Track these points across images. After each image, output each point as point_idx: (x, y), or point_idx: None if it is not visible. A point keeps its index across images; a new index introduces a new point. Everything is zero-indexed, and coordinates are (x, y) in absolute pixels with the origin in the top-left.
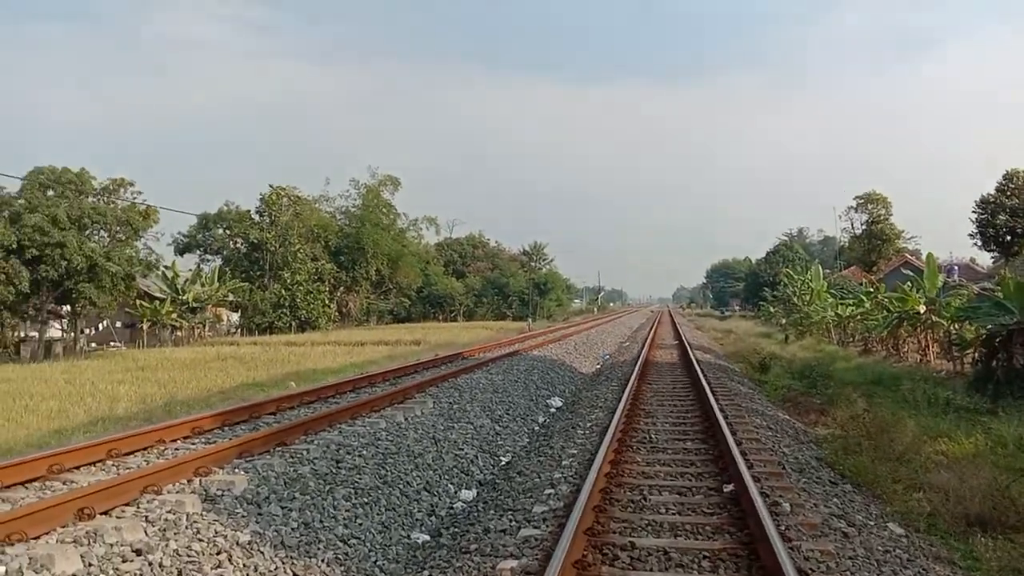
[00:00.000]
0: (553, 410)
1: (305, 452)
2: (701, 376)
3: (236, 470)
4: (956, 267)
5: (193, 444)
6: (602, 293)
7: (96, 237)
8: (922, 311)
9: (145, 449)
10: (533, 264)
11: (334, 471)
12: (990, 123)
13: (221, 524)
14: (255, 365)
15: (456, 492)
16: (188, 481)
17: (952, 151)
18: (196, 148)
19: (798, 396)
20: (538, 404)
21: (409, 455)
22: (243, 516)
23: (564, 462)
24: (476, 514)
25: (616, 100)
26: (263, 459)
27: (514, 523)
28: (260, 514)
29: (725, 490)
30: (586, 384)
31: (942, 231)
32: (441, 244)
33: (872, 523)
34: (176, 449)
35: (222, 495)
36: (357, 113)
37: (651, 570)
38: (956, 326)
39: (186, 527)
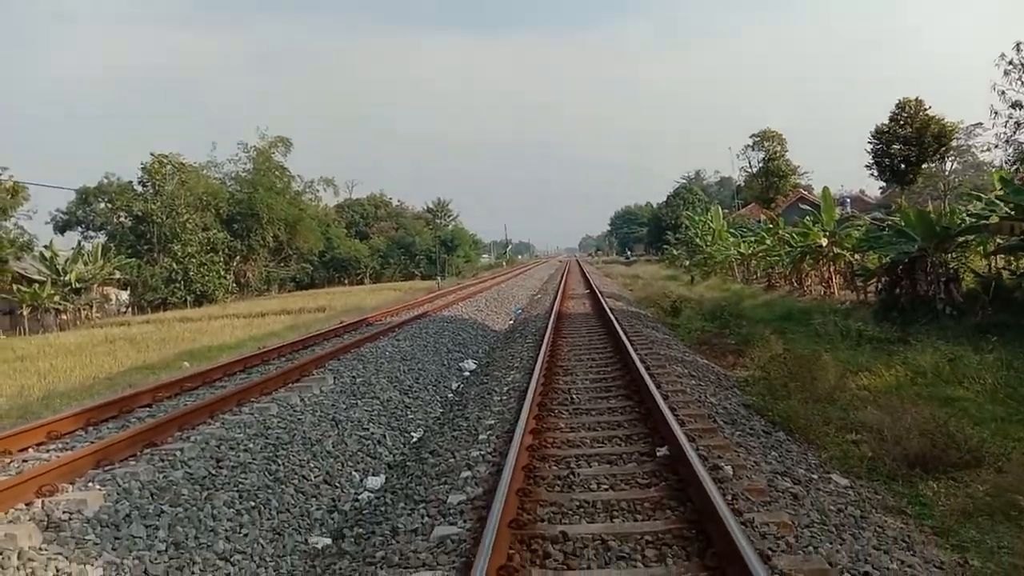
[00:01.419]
0: (467, 373)
1: (178, 453)
2: (616, 325)
3: (91, 484)
4: (848, 199)
5: (46, 453)
6: (510, 246)
7: None
8: (824, 244)
9: None
10: (438, 221)
11: (213, 472)
12: (872, 61)
13: (66, 557)
14: (146, 346)
15: (361, 481)
16: (27, 505)
17: (833, 89)
18: (73, 121)
19: (712, 338)
20: (451, 369)
21: (305, 443)
22: (95, 543)
23: (481, 436)
24: (384, 508)
25: (517, 49)
26: (126, 467)
27: (427, 519)
28: (118, 538)
29: (659, 454)
30: (500, 342)
31: (830, 166)
32: (341, 205)
33: (816, 476)
34: (24, 461)
35: (69, 519)
36: (240, 76)
37: (588, 567)
38: (858, 257)
39: (17, 568)
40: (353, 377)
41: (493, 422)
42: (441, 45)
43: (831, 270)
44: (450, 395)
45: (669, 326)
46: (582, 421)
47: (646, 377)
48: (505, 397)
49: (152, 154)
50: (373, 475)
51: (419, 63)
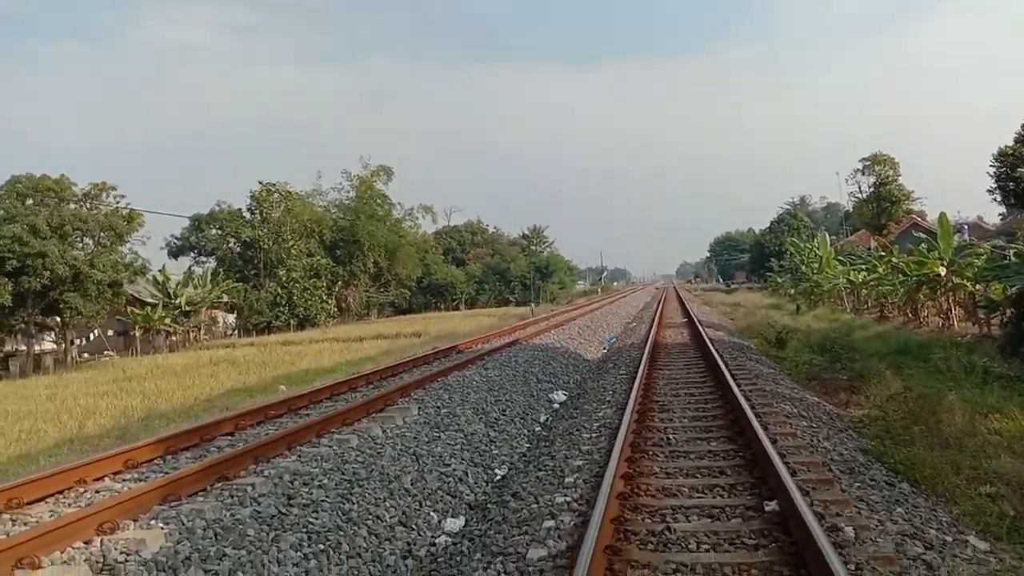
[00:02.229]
0: (556, 406)
1: (249, 488)
2: (717, 357)
3: (154, 521)
4: (966, 226)
5: (120, 483)
6: (605, 273)
7: (80, 244)
8: (942, 273)
9: (60, 493)
10: (534, 248)
11: (283, 511)
12: (991, 80)
13: None
14: (248, 368)
15: (440, 522)
16: (86, 543)
17: (952, 111)
18: (191, 153)
19: (822, 373)
20: (539, 400)
21: (383, 479)
22: None
23: (568, 478)
24: (460, 558)
25: (619, 79)
26: (193, 503)
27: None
28: None
29: (767, 508)
30: (592, 373)
31: (945, 191)
32: (439, 232)
33: (950, 538)
34: (97, 492)
35: (126, 560)
36: (350, 111)
37: None
38: (979, 287)
39: None
40: (438, 407)
41: (581, 463)
42: (542, 76)
43: (950, 301)
44: (538, 428)
45: (774, 359)
46: (679, 466)
47: (751, 416)
48: (595, 435)
49: (260, 182)
50: (452, 516)
51: (520, 93)
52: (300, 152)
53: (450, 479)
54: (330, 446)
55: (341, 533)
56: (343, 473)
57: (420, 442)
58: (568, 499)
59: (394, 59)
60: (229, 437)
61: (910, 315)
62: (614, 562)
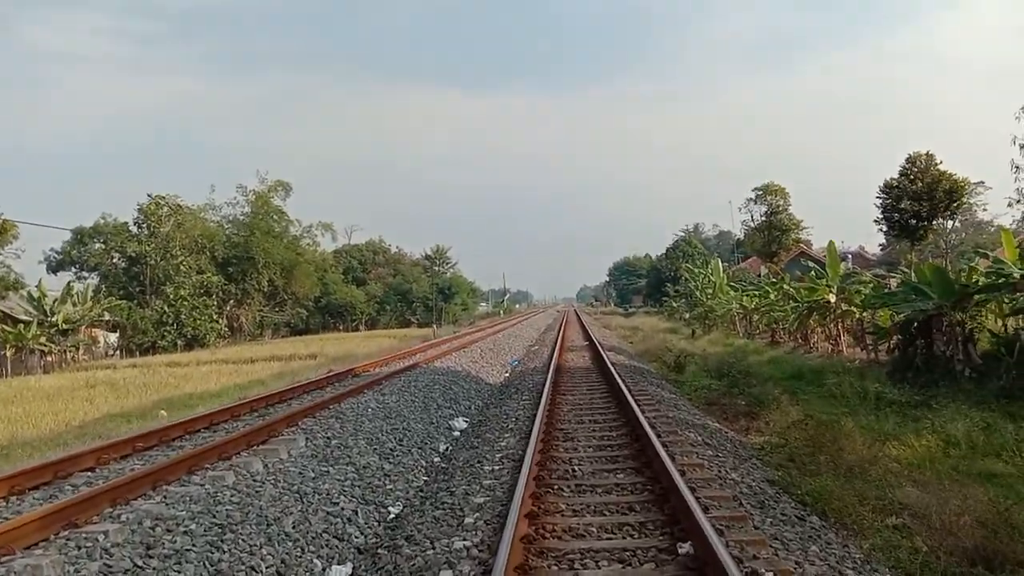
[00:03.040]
0: (457, 434)
1: (100, 538)
2: (619, 381)
3: None
4: (849, 255)
5: None
6: (508, 295)
7: None
8: (832, 300)
9: None
10: (436, 268)
11: (140, 564)
12: (871, 118)
13: None
14: (128, 391)
15: (324, 571)
16: None
17: (827, 151)
18: (75, 163)
19: (720, 398)
20: (439, 428)
21: (261, 522)
22: None
23: (468, 519)
24: None
25: (517, 105)
26: (29, 557)
27: None
28: None
29: (682, 551)
30: (494, 398)
31: (828, 223)
32: (339, 251)
33: None
34: None
35: None
36: (243, 125)
37: None
38: (867, 314)
39: None
40: (328, 438)
41: (482, 500)
42: (440, 100)
43: (839, 327)
44: (437, 459)
45: (674, 383)
46: (586, 502)
47: (657, 446)
48: (498, 467)
49: (149, 195)
50: (338, 564)
51: (418, 116)
52: (194, 166)
53: (338, 520)
54: (202, 484)
55: None
56: (214, 516)
57: (305, 478)
58: (468, 543)
59: (294, 73)
60: (88, 473)
61: (800, 340)
62: None
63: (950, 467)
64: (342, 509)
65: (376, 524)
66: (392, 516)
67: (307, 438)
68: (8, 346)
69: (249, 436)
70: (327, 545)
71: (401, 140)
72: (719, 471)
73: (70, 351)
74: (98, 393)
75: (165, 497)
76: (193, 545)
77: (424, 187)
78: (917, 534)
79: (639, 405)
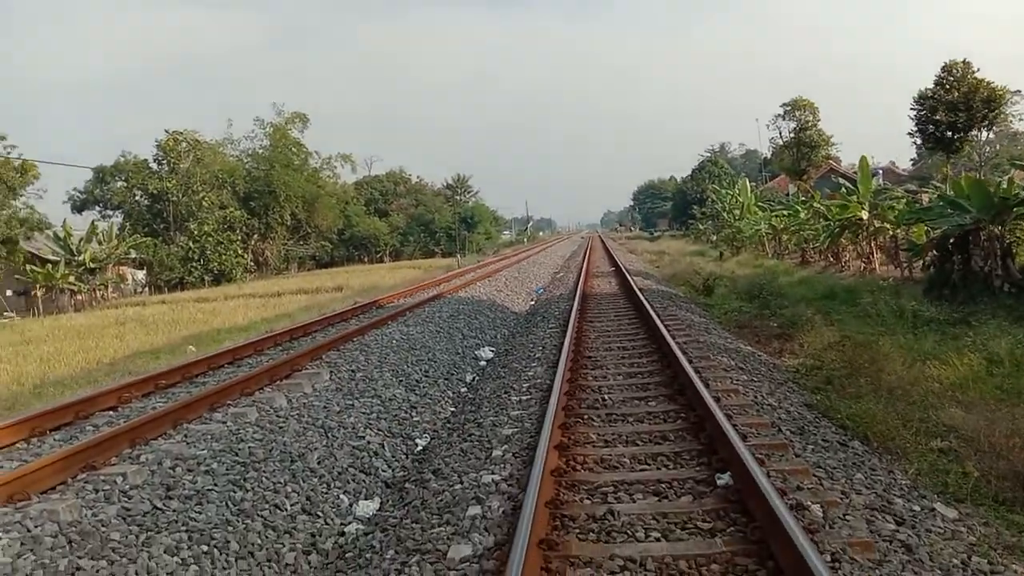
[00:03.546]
0: (483, 363)
1: (119, 480)
2: (648, 307)
3: None
4: (879, 171)
5: None
6: (531, 222)
7: None
8: (864, 217)
9: None
10: (458, 198)
11: (160, 507)
12: (899, 30)
13: None
14: (157, 328)
15: (351, 506)
16: None
17: (855, 59)
18: (95, 103)
19: (752, 320)
20: (465, 358)
21: (284, 459)
22: None
23: (495, 451)
24: (370, 555)
25: (537, 25)
26: (47, 501)
27: None
28: None
29: (720, 483)
30: (520, 326)
31: (857, 136)
32: (360, 183)
33: (916, 507)
34: None
35: None
36: (257, 56)
37: None
38: (901, 230)
39: None
40: (353, 371)
41: (510, 432)
42: (463, 17)
43: (872, 244)
44: (463, 390)
45: (703, 306)
46: (618, 432)
47: (690, 371)
48: (525, 397)
49: (167, 131)
50: (365, 499)
51: (443, 37)
52: (210, 99)
53: (364, 454)
54: (224, 422)
55: (230, 529)
56: (236, 454)
57: (330, 412)
58: (496, 477)
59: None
60: (111, 413)
61: (832, 259)
62: (551, 559)
63: (995, 386)
64: (368, 443)
65: (404, 457)
66: (419, 448)
67: (331, 371)
68: (38, 286)
69: (272, 371)
70: (353, 480)
71: (423, 64)
72: (755, 396)
73: (99, 289)
74: (128, 330)
75: (186, 436)
76: (215, 485)
77: (446, 112)
78: (966, 458)
79: (669, 330)
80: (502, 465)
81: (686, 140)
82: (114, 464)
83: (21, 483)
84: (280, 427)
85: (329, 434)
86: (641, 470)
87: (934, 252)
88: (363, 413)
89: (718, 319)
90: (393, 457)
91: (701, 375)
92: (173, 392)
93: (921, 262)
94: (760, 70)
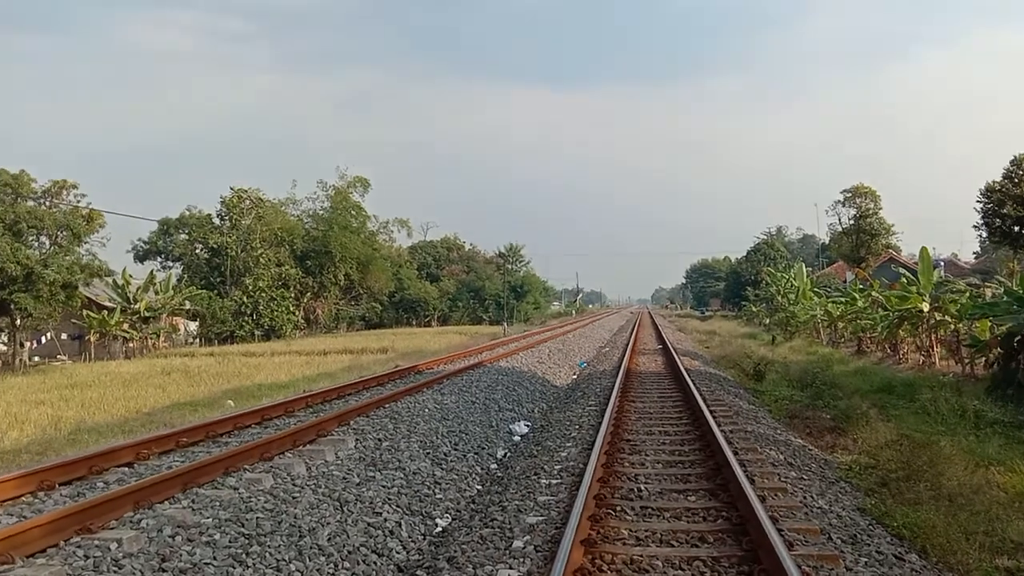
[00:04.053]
0: (517, 438)
1: (112, 547)
2: (694, 390)
3: None
4: (942, 263)
5: None
6: (580, 295)
7: (35, 243)
8: (925, 309)
9: None
10: (509, 266)
11: None
12: (964, 124)
13: None
14: (200, 379)
15: None
16: None
17: (922, 151)
18: (169, 159)
19: (803, 410)
20: (499, 432)
21: (293, 533)
22: None
23: (517, 542)
24: None
25: (603, 104)
26: (28, 568)
27: None
28: None
29: None
30: (559, 401)
31: (917, 229)
32: (414, 247)
33: None
34: None
35: None
36: (328, 122)
37: None
38: (964, 325)
39: None
40: (379, 440)
41: (535, 520)
42: (528, 98)
43: (932, 338)
44: (493, 466)
45: (752, 392)
46: (652, 529)
47: (734, 465)
48: (555, 482)
49: (231, 188)
50: None
51: (501, 114)
52: (277, 163)
53: (379, 532)
54: (236, 488)
55: None
56: (242, 525)
57: (349, 484)
58: (514, 574)
59: (373, 70)
60: (126, 469)
61: (889, 351)
62: None
63: None
64: (385, 520)
65: (420, 538)
66: (439, 530)
67: (357, 439)
68: (92, 331)
69: (296, 435)
70: (364, 561)
71: (487, 136)
72: (804, 497)
73: (151, 338)
74: (172, 380)
75: (193, 501)
76: (214, 558)
77: (505, 186)
78: None
79: (714, 416)
80: (522, 560)
81: (743, 222)
82: (112, 528)
83: (8, 544)
84: (294, 497)
85: (345, 508)
86: None
87: (999, 349)
88: (383, 487)
89: (768, 407)
90: (410, 538)
91: (746, 469)
92: (193, 451)
93: (984, 359)
94: (824, 155)
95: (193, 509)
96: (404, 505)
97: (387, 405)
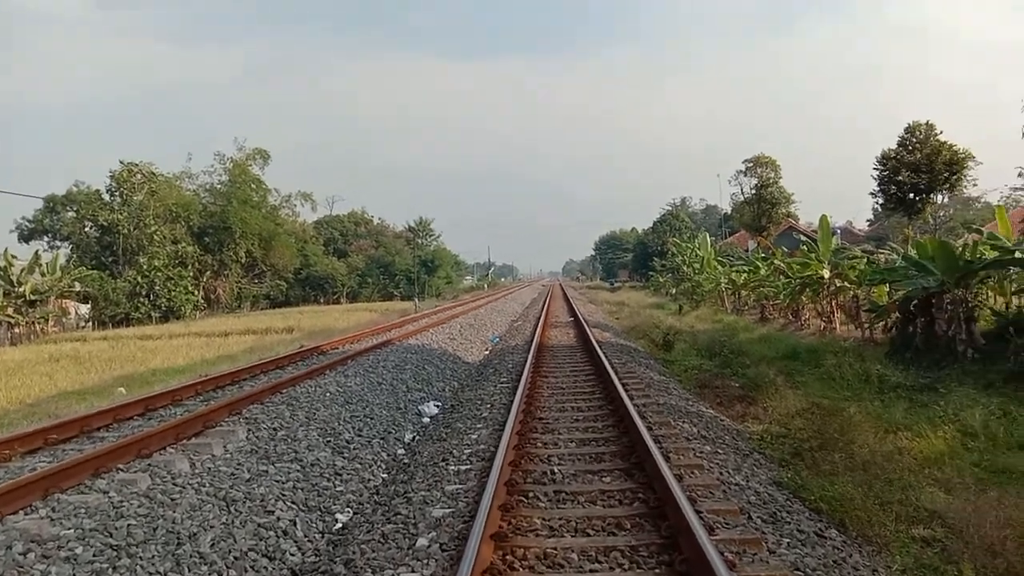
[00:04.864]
0: (427, 420)
1: None
2: (605, 362)
3: None
4: (838, 230)
5: None
6: (492, 268)
7: None
8: (826, 275)
9: None
10: (419, 241)
11: None
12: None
13: None
14: (92, 366)
15: None
16: None
17: (813, 121)
18: (52, 131)
19: (713, 379)
20: (407, 414)
21: (170, 540)
22: None
23: (421, 539)
24: None
25: (501, 74)
26: None
27: None
28: None
29: None
30: (471, 379)
31: (810, 196)
32: (320, 222)
33: None
34: None
35: None
36: (220, 94)
37: None
38: (863, 291)
39: None
40: (274, 429)
41: (442, 513)
42: (427, 68)
43: (833, 304)
44: (400, 452)
45: (662, 362)
46: (567, 517)
47: (648, 441)
48: (465, 467)
49: (121, 162)
50: None
51: (403, 87)
52: (172, 135)
53: (270, 533)
54: (106, 491)
55: None
56: (111, 535)
57: (238, 480)
58: (417, 570)
59: (269, 37)
60: None
61: (791, 317)
62: None
63: (972, 463)
64: (278, 519)
65: (318, 537)
66: (339, 526)
67: (249, 429)
68: None
69: (180, 427)
70: (252, 567)
71: (384, 110)
72: (720, 473)
73: (39, 323)
74: (60, 368)
75: (53, 509)
76: (75, 573)
77: (408, 159)
78: (957, 555)
79: (627, 389)
80: (425, 561)
81: (647, 192)
82: None
83: None
84: (173, 499)
85: (232, 507)
86: (591, 571)
87: (897, 314)
88: (277, 481)
89: (678, 376)
90: (306, 537)
91: (661, 445)
92: (64, 449)
93: (883, 324)
94: (722, 126)
95: (52, 519)
96: (300, 501)
97: (284, 390)
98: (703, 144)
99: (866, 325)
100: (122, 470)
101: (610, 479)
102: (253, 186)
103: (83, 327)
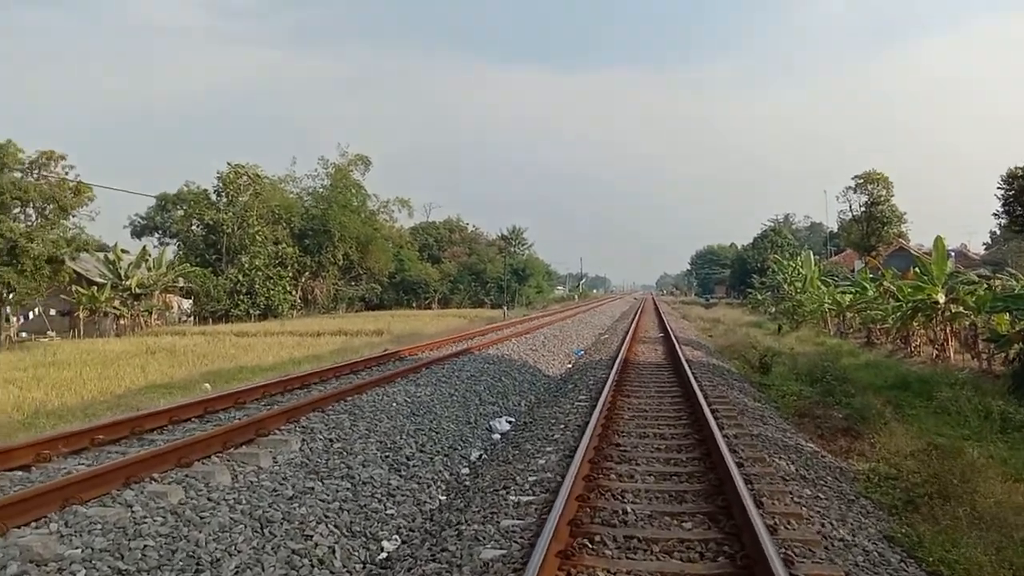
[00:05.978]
0: (497, 436)
1: None
2: (694, 384)
3: None
4: (952, 253)
5: None
6: (584, 279)
7: (23, 216)
8: (940, 300)
9: None
10: (512, 249)
11: None
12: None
13: None
14: (184, 360)
15: None
16: None
17: (933, 144)
18: (170, 133)
19: (814, 408)
20: (476, 430)
21: (187, 567)
22: None
23: None
24: None
25: (604, 87)
26: None
27: None
28: None
29: None
30: (549, 394)
31: (927, 218)
32: (416, 228)
33: None
34: None
35: None
36: (330, 99)
37: None
38: (981, 318)
39: None
40: (330, 440)
41: (492, 556)
42: (530, 77)
43: (947, 331)
44: (464, 471)
45: (758, 386)
46: (636, 571)
47: (738, 480)
48: (526, 498)
49: (229, 163)
50: None
51: (508, 93)
52: (279, 139)
53: (304, 562)
54: (131, 504)
55: None
56: (121, 557)
57: (280, 497)
58: None
59: (377, 47)
60: (19, 473)
61: (900, 343)
62: None
63: None
64: (315, 545)
65: (358, 568)
66: (382, 557)
67: (304, 439)
68: (82, 308)
69: (230, 434)
70: None
71: (488, 117)
72: (821, 524)
73: (143, 316)
74: (155, 360)
75: (67, 524)
76: None
77: (508, 168)
78: None
79: (716, 416)
80: None
81: (750, 208)
82: None
83: None
84: (202, 517)
85: (266, 530)
86: None
87: (1021, 345)
88: (322, 500)
89: (775, 403)
90: (344, 568)
91: (752, 486)
92: (109, 451)
93: (1004, 355)
94: (828, 142)
95: (63, 535)
96: (344, 524)
97: (350, 398)
98: (808, 159)
99: (984, 355)
100: (156, 480)
101: (691, 525)
102: (353, 191)
103: (184, 321)
